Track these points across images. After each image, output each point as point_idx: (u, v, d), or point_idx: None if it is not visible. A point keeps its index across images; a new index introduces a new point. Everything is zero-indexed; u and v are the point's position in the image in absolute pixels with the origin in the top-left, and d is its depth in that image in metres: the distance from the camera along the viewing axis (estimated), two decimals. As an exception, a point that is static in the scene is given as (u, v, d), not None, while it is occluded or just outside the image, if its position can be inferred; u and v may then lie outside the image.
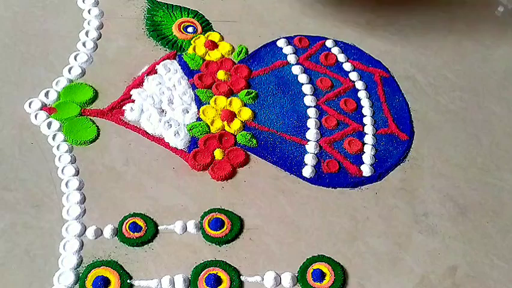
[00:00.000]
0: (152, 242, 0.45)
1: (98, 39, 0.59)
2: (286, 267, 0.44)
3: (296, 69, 0.59)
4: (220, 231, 0.46)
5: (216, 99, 0.55)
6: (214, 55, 0.59)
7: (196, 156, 0.51)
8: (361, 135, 0.54)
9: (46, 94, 0.54)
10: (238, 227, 0.46)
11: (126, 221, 0.46)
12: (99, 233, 0.45)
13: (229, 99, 0.55)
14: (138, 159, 0.50)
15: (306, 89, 0.57)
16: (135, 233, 0.45)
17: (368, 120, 0.55)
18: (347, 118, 0.55)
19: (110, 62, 0.53)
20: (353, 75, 0.59)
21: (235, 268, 0.44)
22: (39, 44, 0.58)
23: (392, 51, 0.62)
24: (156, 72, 0.57)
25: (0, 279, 0.42)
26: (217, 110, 0.54)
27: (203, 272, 0.44)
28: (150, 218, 0.46)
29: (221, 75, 0.57)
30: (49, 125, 0.52)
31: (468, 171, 0.52)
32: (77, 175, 0.49)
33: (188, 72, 0.58)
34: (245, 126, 0.54)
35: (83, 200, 0.47)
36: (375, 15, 0.66)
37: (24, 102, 0.53)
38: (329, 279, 0.44)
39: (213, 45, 0.60)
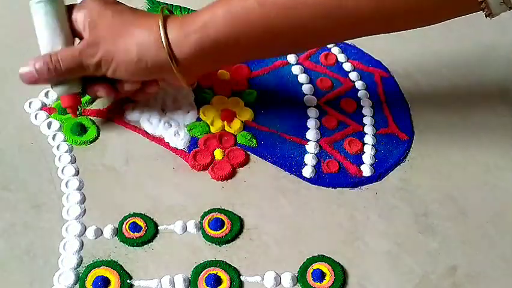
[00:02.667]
0: (152, 242, 0.45)
1: (98, 39, 0.59)
2: (286, 267, 0.44)
3: (296, 69, 0.59)
4: (220, 231, 0.46)
5: (216, 99, 0.55)
6: (214, 55, 0.59)
7: (196, 156, 0.51)
8: (361, 135, 0.54)
9: (46, 94, 0.54)
10: (238, 227, 0.46)
11: (126, 221, 0.46)
12: (99, 233, 0.45)
13: (229, 99, 0.55)
14: (138, 159, 0.50)
15: (306, 89, 0.57)
16: (135, 233, 0.45)
17: (368, 120, 0.55)
18: (347, 118, 0.55)
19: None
20: (353, 75, 0.59)
21: (235, 268, 0.44)
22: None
23: (392, 51, 0.62)
24: (156, 72, 0.57)
25: (0, 279, 0.42)
26: (217, 110, 0.54)
27: (203, 272, 0.44)
28: (150, 218, 0.46)
29: (221, 75, 0.57)
30: (49, 125, 0.52)
31: (468, 171, 0.52)
32: (77, 175, 0.49)
33: (189, 72, 0.58)
34: (245, 126, 0.54)
35: (83, 200, 0.47)
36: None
37: (24, 102, 0.53)
38: (329, 279, 0.44)
39: (213, 45, 0.60)
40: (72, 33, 0.48)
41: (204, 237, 0.46)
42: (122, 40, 0.45)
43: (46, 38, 0.47)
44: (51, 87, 0.49)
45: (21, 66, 0.47)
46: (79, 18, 0.47)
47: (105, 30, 0.45)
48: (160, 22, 0.44)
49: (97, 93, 0.49)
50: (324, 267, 0.45)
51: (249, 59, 0.49)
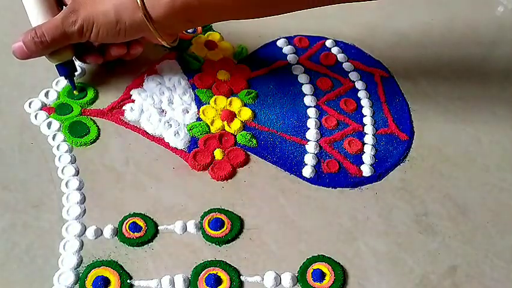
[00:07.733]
0: (152, 242, 0.45)
1: (98, 39, 0.59)
2: (286, 267, 0.44)
3: (296, 69, 0.59)
4: (220, 231, 0.46)
5: (216, 99, 0.55)
6: (214, 55, 0.59)
7: (196, 156, 0.51)
8: (361, 135, 0.54)
9: (46, 94, 0.54)
10: (238, 227, 0.46)
11: (126, 221, 0.46)
12: (99, 233, 0.45)
13: (229, 99, 0.55)
14: (138, 159, 0.50)
15: (306, 89, 0.57)
16: (135, 233, 0.45)
17: (368, 120, 0.55)
18: (347, 118, 0.55)
19: (110, 62, 0.53)
20: (353, 75, 0.59)
21: (235, 268, 0.44)
22: (39, 44, 0.58)
23: (392, 51, 0.62)
24: (156, 72, 0.57)
25: (0, 279, 0.42)
26: (217, 110, 0.54)
27: (203, 272, 0.44)
28: (150, 218, 0.46)
29: (221, 75, 0.57)
30: (49, 125, 0.52)
31: (468, 171, 0.52)
32: (77, 175, 0.49)
33: (188, 72, 0.58)
34: (245, 126, 0.54)
35: (83, 200, 0.47)
36: (375, 15, 0.66)
37: (24, 102, 0.53)
38: (328, 279, 0.44)
39: (213, 45, 0.60)
40: (59, 3, 0.51)
41: (204, 237, 0.46)
42: (101, 4, 0.47)
43: (33, 11, 0.50)
44: (47, 58, 0.51)
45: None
46: None
47: None
48: None
49: (87, 60, 0.53)
50: (324, 267, 0.45)
51: (222, 20, 0.51)
